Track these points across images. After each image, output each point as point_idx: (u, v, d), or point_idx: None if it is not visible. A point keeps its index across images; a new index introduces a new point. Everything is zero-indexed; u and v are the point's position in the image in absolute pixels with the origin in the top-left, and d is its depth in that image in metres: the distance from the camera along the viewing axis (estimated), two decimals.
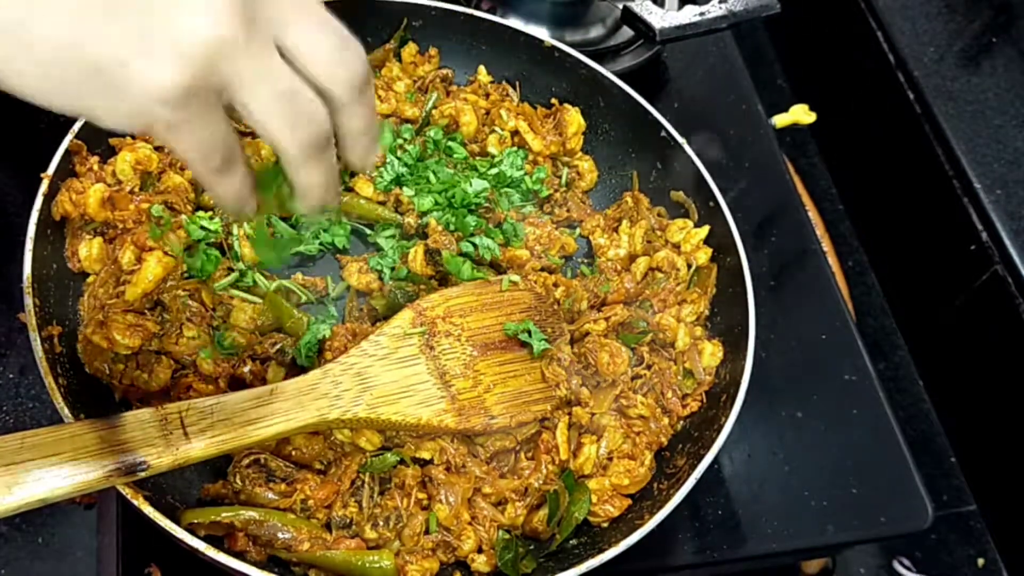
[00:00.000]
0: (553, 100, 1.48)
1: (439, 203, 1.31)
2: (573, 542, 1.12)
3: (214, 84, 0.63)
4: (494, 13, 1.54)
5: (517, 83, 1.50)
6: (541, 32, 1.53)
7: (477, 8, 1.51)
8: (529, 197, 1.40)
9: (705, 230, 1.35)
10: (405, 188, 1.32)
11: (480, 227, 1.30)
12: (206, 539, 0.94)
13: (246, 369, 1.13)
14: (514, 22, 1.49)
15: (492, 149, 1.41)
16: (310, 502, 1.06)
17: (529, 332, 1.18)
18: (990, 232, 1.64)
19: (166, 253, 1.14)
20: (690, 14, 1.52)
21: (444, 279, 1.25)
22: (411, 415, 1.06)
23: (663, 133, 1.38)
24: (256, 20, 0.64)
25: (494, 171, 1.37)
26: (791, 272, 1.53)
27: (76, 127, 1.17)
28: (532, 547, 1.11)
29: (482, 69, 1.49)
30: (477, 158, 1.41)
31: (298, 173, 0.72)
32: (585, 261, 1.38)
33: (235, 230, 1.23)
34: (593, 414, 1.20)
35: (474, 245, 1.28)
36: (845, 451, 1.35)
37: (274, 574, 0.95)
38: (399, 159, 1.34)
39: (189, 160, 0.68)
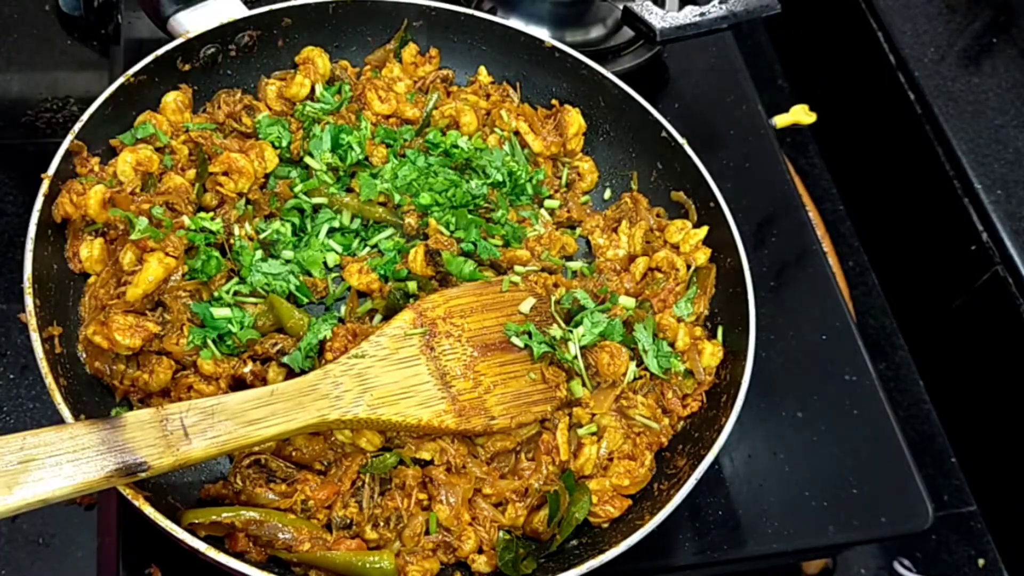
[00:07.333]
0: (553, 101, 1.47)
1: (439, 203, 1.31)
2: (573, 543, 1.12)
3: None
4: (494, 13, 1.54)
5: (517, 84, 1.49)
6: (541, 32, 1.53)
7: (478, 8, 1.51)
8: (530, 200, 1.39)
9: (704, 231, 1.34)
10: (405, 189, 1.32)
11: (480, 227, 1.30)
12: (206, 539, 0.94)
13: (247, 369, 1.13)
14: (514, 22, 1.49)
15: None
16: (311, 503, 1.06)
17: (530, 334, 1.18)
18: (990, 232, 1.64)
19: (167, 254, 1.14)
20: (690, 14, 1.52)
21: (444, 279, 1.25)
22: (412, 416, 1.06)
23: (663, 133, 1.38)
24: None
25: (498, 176, 1.36)
26: (791, 272, 1.53)
27: (76, 127, 1.17)
28: (533, 548, 1.11)
29: (482, 70, 1.49)
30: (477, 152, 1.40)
31: None
32: (585, 262, 1.38)
33: (236, 231, 1.23)
34: (594, 415, 1.20)
35: (474, 245, 1.28)
36: (845, 451, 1.35)
37: (274, 574, 0.95)
38: (399, 160, 1.34)
39: None
